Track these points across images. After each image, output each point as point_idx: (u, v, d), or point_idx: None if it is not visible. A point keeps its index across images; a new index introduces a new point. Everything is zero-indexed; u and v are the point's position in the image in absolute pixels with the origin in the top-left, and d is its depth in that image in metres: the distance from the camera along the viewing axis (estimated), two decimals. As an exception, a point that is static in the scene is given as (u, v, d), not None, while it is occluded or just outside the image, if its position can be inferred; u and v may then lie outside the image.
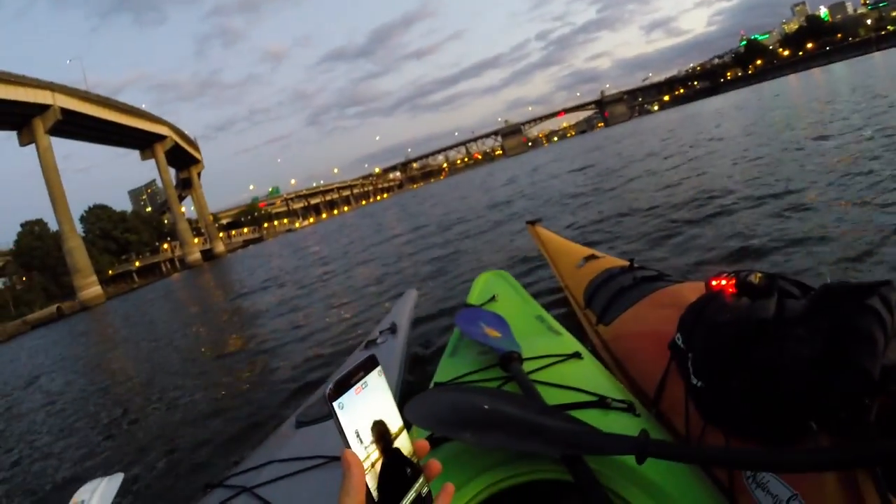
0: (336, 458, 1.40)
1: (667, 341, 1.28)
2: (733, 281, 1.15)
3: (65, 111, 54.37)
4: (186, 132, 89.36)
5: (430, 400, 1.29)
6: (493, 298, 2.32)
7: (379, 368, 0.51)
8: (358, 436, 0.50)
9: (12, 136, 53.70)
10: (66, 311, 49.84)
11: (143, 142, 75.29)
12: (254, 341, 6.72)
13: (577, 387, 1.32)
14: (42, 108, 52.03)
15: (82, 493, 1.72)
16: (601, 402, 1.23)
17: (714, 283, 1.20)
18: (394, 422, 0.53)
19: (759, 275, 1.12)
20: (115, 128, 66.37)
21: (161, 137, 77.00)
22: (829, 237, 3.80)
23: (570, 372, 1.45)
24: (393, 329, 2.70)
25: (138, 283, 69.36)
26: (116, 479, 1.93)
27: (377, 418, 0.51)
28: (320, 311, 7.28)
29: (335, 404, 0.48)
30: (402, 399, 1.49)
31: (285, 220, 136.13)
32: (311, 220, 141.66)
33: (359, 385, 0.49)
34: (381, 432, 0.51)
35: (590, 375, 1.45)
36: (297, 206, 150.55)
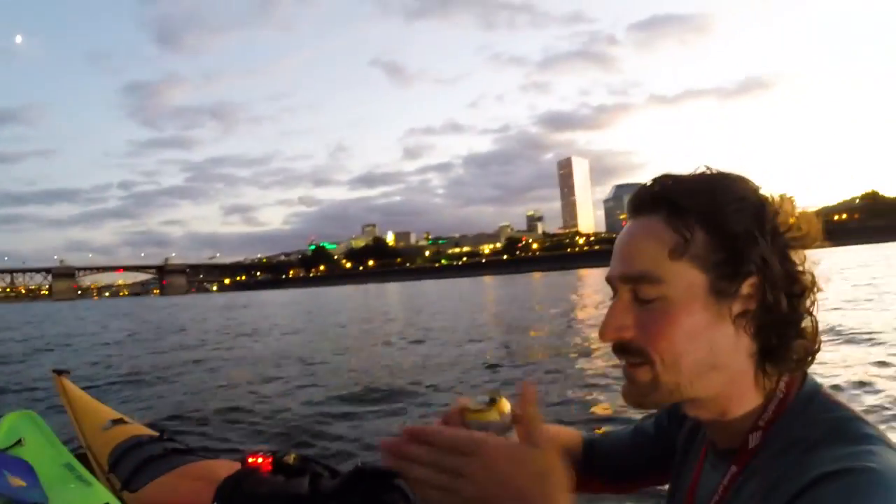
0: None
1: None
2: (270, 459, 1.21)
3: None
4: None
5: None
6: (18, 442, 2.10)
7: None
8: None
9: None
10: None
11: None
12: None
13: None
14: None
15: None
16: None
17: (251, 459, 1.25)
18: None
19: (294, 455, 1.22)
20: None
21: None
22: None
23: None
24: None
25: None
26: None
27: None
28: None
29: None
30: None
31: None
32: None
33: None
34: None
35: None
36: None
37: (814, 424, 0.64)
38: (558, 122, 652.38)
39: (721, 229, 0.65)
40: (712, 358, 0.65)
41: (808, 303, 0.68)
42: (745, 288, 0.65)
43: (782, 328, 0.66)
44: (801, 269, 0.67)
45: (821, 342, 0.68)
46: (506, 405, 0.64)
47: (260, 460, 1.21)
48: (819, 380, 0.69)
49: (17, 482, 1.54)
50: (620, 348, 0.69)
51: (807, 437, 0.62)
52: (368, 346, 10.68)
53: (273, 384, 6.75)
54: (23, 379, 8.57)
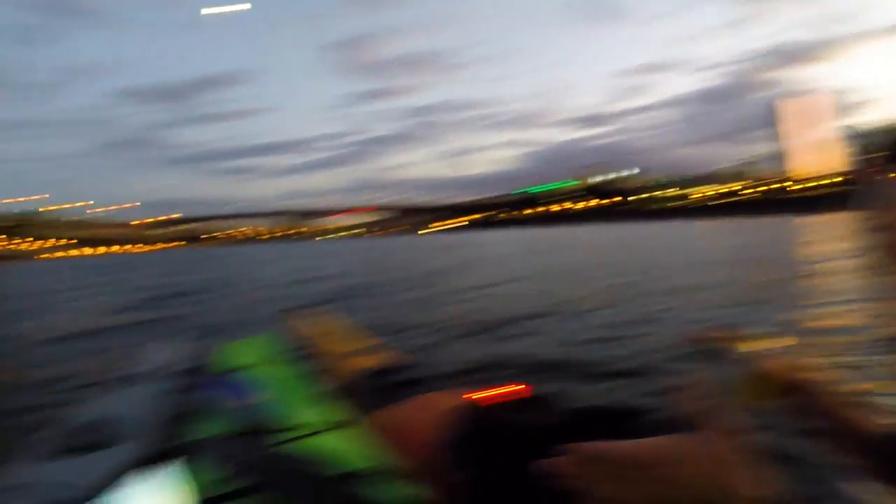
0: (78, 501, 1.17)
1: (436, 437, 1.30)
2: (509, 392, 1.29)
3: None
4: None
5: (217, 442, 1.31)
6: (253, 364, 2.18)
7: (172, 468, 0.51)
8: None
9: None
10: None
11: None
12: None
13: (345, 457, 1.32)
14: None
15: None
16: (372, 474, 1.23)
17: (490, 392, 1.32)
18: None
19: (533, 390, 1.28)
20: None
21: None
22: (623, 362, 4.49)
23: (333, 444, 1.44)
24: (148, 375, 2.28)
25: None
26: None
27: None
28: (66, 345, 7.04)
29: (120, 501, 0.44)
30: (151, 452, 1.34)
31: (44, 243, 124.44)
32: (75, 252, 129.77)
33: (150, 484, 0.49)
34: None
35: (353, 448, 1.42)
36: (60, 233, 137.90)
37: None
38: (780, 56, 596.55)
39: None
40: None
41: None
42: None
43: None
44: None
45: None
46: (756, 341, 0.61)
47: (500, 393, 1.23)
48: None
49: (253, 399, 1.67)
50: None
51: None
52: (622, 293, 9.07)
53: (520, 322, 6.68)
54: (268, 311, 8.72)
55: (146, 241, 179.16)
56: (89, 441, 1.50)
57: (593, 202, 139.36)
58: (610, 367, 4.40)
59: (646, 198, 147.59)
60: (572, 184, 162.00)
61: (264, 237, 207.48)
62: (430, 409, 1.53)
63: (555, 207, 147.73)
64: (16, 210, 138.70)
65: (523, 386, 1.28)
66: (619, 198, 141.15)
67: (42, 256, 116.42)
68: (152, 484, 0.44)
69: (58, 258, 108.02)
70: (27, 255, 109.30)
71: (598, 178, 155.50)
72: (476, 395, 1.31)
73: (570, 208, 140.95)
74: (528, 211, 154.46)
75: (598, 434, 0.79)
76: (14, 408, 4.08)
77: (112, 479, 1.28)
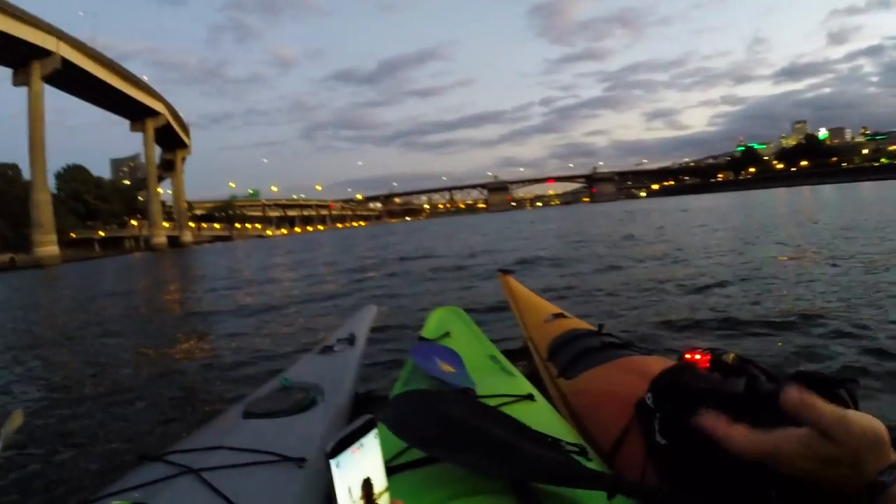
0: (288, 459, 1.41)
1: (630, 402, 1.32)
2: (708, 357, 1.20)
3: (66, 62, 53.22)
4: (181, 115, 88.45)
5: (410, 405, 1.27)
6: (447, 334, 2.34)
7: (375, 431, 0.56)
8: (347, 493, 0.53)
9: (7, 74, 52.26)
10: (19, 263, 48.01)
11: (136, 113, 74.25)
12: (203, 330, 6.86)
13: (540, 424, 1.29)
14: (44, 53, 50.81)
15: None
16: (554, 444, 1.21)
17: (688, 356, 1.24)
18: (379, 482, 0.57)
19: (733, 355, 1.17)
20: (113, 92, 65.33)
21: (155, 113, 76.06)
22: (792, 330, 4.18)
23: (522, 412, 1.42)
24: (350, 340, 2.75)
25: (98, 252, 66.91)
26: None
27: (366, 477, 0.55)
28: (275, 313, 7.57)
29: (332, 462, 0.51)
30: (355, 413, 1.50)
31: (258, 225, 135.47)
32: (284, 230, 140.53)
33: (356, 446, 0.53)
34: (368, 492, 0.55)
35: (542, 417, 1.47)
36: (274, 213, 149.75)
37: None
38: None
39: None
40: None
41: None
42: None
43: None
44: None
45: None
46: None
47: (697, 357, 1.19)
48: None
49: (448, 368, 1.71)
50: None
51: None
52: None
53: (714, 286, 6.32)
54: (476, 274, 9.66)
55: (362, 217, 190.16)
56: (295, 403, 1.78)
57: (813, 161, 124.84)
58: (805, 336, 3.99)
59: (871, 153, 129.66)
60: (785, 142, 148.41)
61: (478, 207, 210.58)
62: (627, 374, 1.67)
63: (779, 165, 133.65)
64: (241, 194, 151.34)
65: (713, 352, 1.22)
66: (834, 157, 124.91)
67: (267, 234, 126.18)
68: (354, 444, 0.55)
69: (279, 236, 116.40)
70: (249, 234, 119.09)
71: (816, 133, 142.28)
72: (685, 357, 1.27)
73: (792, 167, 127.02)
74: (752, 169, 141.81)
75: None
76: (225, 369, 4.38)
77: (314, 440, 1.55)
